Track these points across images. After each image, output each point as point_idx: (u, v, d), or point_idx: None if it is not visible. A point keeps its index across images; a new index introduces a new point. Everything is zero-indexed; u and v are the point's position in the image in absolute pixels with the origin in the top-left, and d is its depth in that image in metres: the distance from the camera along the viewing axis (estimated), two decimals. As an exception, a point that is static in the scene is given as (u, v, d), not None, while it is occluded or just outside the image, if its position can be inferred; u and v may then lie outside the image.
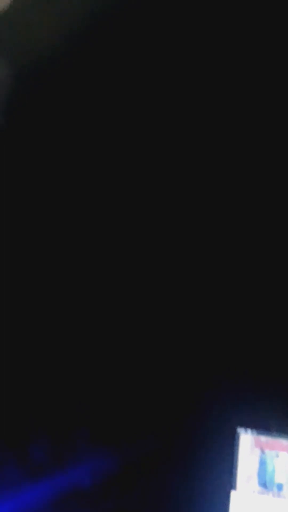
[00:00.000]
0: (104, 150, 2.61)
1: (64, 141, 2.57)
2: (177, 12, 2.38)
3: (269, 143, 2.52)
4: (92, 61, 2.47)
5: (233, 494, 2.80)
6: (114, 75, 2.50)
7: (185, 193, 2.67)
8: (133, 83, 2.50)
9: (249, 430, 2.83)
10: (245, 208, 2.66)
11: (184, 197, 2.67)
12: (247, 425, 2.83)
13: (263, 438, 2.83)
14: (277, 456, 2.83)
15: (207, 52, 2.46)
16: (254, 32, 2.33)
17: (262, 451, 2.84)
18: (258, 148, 2.53)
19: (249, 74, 2.40)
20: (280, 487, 2.81)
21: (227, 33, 2.39)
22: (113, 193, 2.66)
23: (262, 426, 2.83)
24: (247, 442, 2.84)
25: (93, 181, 2.64)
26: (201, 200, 2.67)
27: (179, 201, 2.68)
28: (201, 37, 2.43)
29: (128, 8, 2.31)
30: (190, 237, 2.73)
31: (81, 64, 2.46)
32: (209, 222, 2.70)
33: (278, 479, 2.82)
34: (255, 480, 2.83)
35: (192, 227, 2.71)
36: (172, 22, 2.40)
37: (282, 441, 2.83)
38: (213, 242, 2.73)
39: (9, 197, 2.57)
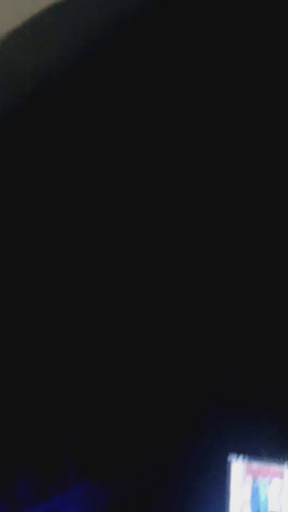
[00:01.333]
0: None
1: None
2: (176, 43, 2.35)
3: (269, 144, 2.50)
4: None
5: (227, 524, 2.74)
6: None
7: (185, 193, 2.62)
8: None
9: (240, 457, 2.78)
10: (245, 207, 2.62)
11: (184, 198, 2.62)
12: (238, 451, 2.77)
13: (255, 465, 2.78)
14: (270, 483, 2.78)
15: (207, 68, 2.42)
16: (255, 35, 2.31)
17: (254, 479, 2.79)
18: (258, 149, 2.50)
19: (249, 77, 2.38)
20: (274, 515, 2.76)
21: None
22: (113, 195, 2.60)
23: (254, 452, 2.78)
24: (239, 469, 2.78)
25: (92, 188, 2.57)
26: (201, 200, 2.62)
27: (179, 201, 2.62)
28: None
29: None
30: (190, 237, 2.68)
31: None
32: (208, 221, 2.65)
33: (271, 506, 2.77)
34: (248, 508, 2.77)
35: (192, 227, 2.66)
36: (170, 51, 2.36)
37: (274, 467, 2.78)
38: (214, 243, 2.68)
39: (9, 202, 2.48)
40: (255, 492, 2.79)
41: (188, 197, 2.60)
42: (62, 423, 2.70)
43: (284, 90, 2.35)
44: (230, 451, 2.78)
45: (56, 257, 2.59)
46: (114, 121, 2.40)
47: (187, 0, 2.23)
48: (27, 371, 2.63)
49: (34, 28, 2.22)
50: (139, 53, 2.32)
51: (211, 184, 2.57)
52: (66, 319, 2.68)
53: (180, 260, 2.68)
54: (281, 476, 2.78)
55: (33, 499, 2.64)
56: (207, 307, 2.74)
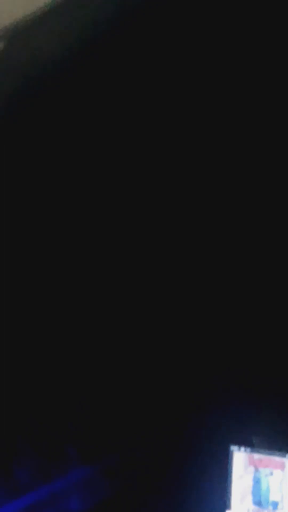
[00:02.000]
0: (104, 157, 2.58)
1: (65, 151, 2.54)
2: (180, 28, 2.37)
3: (269, 144, 2.53)
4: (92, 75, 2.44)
5: (228, 513, 2.76)
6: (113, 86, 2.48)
7: (185, 195, 2.65)
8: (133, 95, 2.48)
9: (242, 448, 2.80)
10: (245, 208, 2.65)
11: (184, 199, 2.66)
12: (240, 442, 2.80)
13: (257, 456, 2.81)
14: (271, 473, 2.80)
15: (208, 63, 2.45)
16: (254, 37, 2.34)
17: (256, 469, 2.81)
18: (258, 150, 2.53)
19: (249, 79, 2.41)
20: (275, 505, 2.78)
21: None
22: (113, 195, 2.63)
23: (256, 443, 2.81)
24: (241, 460, 2.81)
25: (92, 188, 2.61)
26: (201, 201, 2.65)
27: (179, 202, 2.66)
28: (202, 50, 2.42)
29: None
30: (191, 238, 2.71)
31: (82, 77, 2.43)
32: (209, 223, 2.68)
33: (273, 497, 2.79)
34: (249, 498, 2.80)
35: (193, 229, 2.69)
36: (175, 38, 2.39)
37: (275, 459, 2.80)
38: (216, 245, 2.71)
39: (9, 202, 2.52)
40: (256, 482, 2.81)
41: (188, 197, 2.63)
42: (65, 409, 2.74)
43: (284, 90, 2.39)
44: (232, 442, 2.81)
45: (56, 257, 2.62)
46: (114, 118, 2.44)
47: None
48: (30, 357, 2.67)
49: (35, 25, 2.26)
50: (138, 52, 2.36)
51: (211, 184, 2.60)
52: (71, 315, 2.71)
53: (181, 262, 2.72)
54: (282, 467, 2.79)
55: (34, 484, 2.68)
56: (207, 303, 2.77)
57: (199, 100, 2.43)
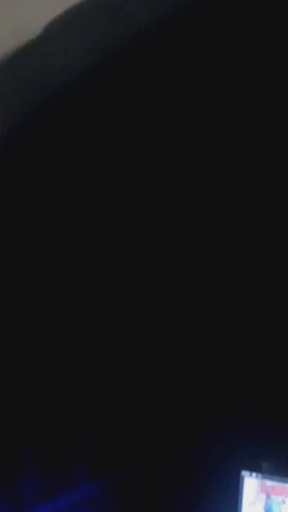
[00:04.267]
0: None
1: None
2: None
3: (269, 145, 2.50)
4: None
5: None
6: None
7: (185, 194, 2.63)
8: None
9: (254, 474, 2.72)
10: (246, 209, 2.61)
11: (184, 199, 2.64)
12: (252, 469, 2.72)
13: (269, 483, 2.72)
14: (284, 502, 2.71)
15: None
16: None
17: (268, 496, 2.72)
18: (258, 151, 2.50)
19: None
20: (286, 534, 2.69)
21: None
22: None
23: (268, 470, 2.72)
24: (252, 486, 2.72)
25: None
26: (201, 202, 2.63)
27: (179, 203, 2.64)
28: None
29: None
30: (192, 244, 2.68)
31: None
32: (214, 231, 2.65)
33: (284, 526, 2.70)
34: (260, 527, 2.71)
35: (195, 235, 2.67)
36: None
37: (288, 486, 2.71)
38: (217, 252, 2.68)
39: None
40: (268, 510, 2.73)
41: (188, 198, 2.61)
42: (71, 424, 2.71)
43: (284, 90, 2.36)
44: (243, 468, 2.73)
45: (56, 258, 2.63)
46: (115, 121, 2.45)
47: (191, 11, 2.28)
48: (36, 371, 2.66)
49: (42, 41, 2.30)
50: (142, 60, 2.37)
51: (211, 184, 2.58)
52: (76, 327, 2.71)
53: (182, 270, 2.69)
54: (295, 495, 2.71)
55: (37, 499, 2.66)
56: (217, 317, 2.73)
57: (200, 101, 2.42)
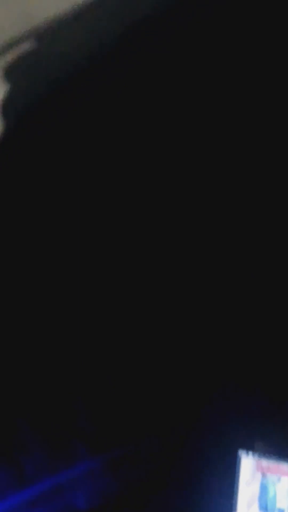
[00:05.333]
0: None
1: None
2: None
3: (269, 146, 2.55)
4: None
5: (233, 519, 2.75)
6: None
7: (185, 194, 2.68)
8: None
9: (250, 453, 2.79)
10: (246, 209, 2.66)
11: (184, 199, 2.68)
12: (249, 448, 2.78)
13: (265, 462, 2.78)
14: (279, 480, 2.77)
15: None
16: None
17: (264, 475, 2.79)
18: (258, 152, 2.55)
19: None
20: (281, 512, 2.76)
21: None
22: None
23: (264, 449, 2.79)
24: (249, 465, 2.79)
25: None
26: (201, 203, 2.67)
27: (179, 203, 2.68)
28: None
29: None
30: (193, 243, 2.73)
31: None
32: (210, 226, 2.70)
33: (279, 504, 2.76)
34: (256, 504, 2.78)
35: (195, 235, 2.71)
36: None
37: (284, 466, 2.78)
38: (217, 252, 2.73)
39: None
40: (263, 489, 2.79)
41: (188, 198, 2.65)
42: (70, 402, 2.77)
43: (284, 90, 2.40)
44: (240, 447, 2.79)
45: (56, 256, 2.67)
46: (115, 120, 2.49)
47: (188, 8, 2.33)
48: (34, 349, 2.71)
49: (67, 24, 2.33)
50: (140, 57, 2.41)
51: (211, 185, 2.62)
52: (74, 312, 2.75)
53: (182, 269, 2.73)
54: (291, 475, 2.77)
55: (39, 475, 2.72)
56: (214, 305, 2.78)
57: (200, 101, 2.46)
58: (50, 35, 2.30)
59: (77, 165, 2.63)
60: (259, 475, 2.79)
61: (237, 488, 2.78)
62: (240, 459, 2.79)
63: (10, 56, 2.26)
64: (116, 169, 2.60)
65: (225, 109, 2.48)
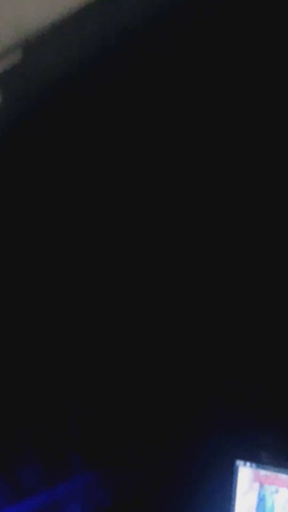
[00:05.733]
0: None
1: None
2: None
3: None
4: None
5: (231, 529, 2.71)
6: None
7: (185, 194, 2.68)
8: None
9: (248, 464, 2.76)
10: (246, 209, 2.66)
11: (184, 199, 2.68)
12: (246, 458, 2.76)
13: (263, 472, 2.76)
14: (277, 491, 2.75)
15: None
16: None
17: (261, 486, 2.76)
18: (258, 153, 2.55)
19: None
20: (279, 523, 2.72)
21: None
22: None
23: (262, 459, 2.76)
24: (246, 475, 2.76)
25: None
26: (201, 202, 2.67)
27: (179, 203, 2.69)
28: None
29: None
30: (194, 243, 2.73)
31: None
32: (214, 230, 2.70)
33: (277, 515, 2.73)
34: (253, 516, 2.75)
35: (196, 235, 2.71)
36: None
37: (282, 476, 2.75)
38: (218, 251, 2.73)
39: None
40: (261, 500, 2.76)
41: (188, 198, 2.65)
42: (68, 416, 2.77)
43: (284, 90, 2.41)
44: (237, 457, 2.77)
45: (57, 256, 2.67)
46: (114, 120, 2.50)
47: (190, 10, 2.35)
48: (34, 363, 2.71)
49: (52, 35, 2.36)
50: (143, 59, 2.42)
51: (211, 184, 2.62)
52: (74, 319, 2.75)
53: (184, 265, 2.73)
54: (288, 485, 2.74)
55: (36, 489, 2.71)
56: (216, 314, 2.77)
57: (200, 102, 2.47)
58: (42, 42, 2.32)
59: (76, 168, 2.64)
60: (256, 486, 2.76)
61: (234, 498, 2.75)
62: (237, 469, 2.77)
63: (3, 64, 2.28)
64: (116, 170, 2.62)
65: (225, 109, 2.49)
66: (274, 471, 2.75)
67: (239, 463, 2.77)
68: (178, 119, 2.55)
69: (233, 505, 2.75)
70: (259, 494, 2.76)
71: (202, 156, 2.60)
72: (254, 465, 2.76)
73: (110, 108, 2.49)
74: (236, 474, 2.76)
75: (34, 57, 2.33)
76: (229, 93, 2.47)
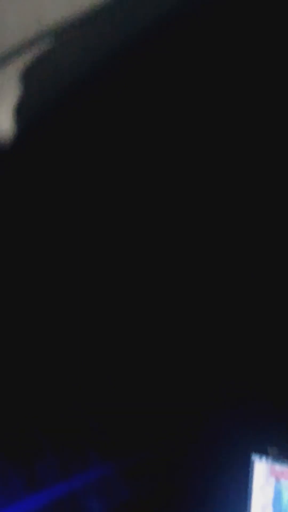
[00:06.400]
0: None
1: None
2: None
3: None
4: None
5: (247, 524, 2.73)
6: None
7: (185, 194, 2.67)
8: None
9: (264, 458, 2.77)
10: (246, 211, 2.65)
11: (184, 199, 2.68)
12: (262, 452, 2.76)
13: (279, 467, 2.76)
14: (293, 486, 2.75)
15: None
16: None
17: (277, 480, 2.77)
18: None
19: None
20: (296, 518, 2.73)
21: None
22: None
23: (278, 454, 2.77)
24: (262, 470, 2.77)
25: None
26: (201, 202, 2.67)
27: (179, 203, 2.68)
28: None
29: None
30: (195, 251, 2.73)
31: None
32: (214, 230, 2.69)
33: (293, 509, 2.74)
34: (270, 509, 2.75)
35: (195, 234, 2.71)
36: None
37: (298, 471, 2.76)
38: (218, 251, 2.72)
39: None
40: (277, 494, 2.77)
41: (188, 198, 2.65)
42: (83, 408, 2.77)
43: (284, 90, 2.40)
44: (253, 452, 2.78)
45: (56, 258, 2.66)
46: (114, 121, 2.48)
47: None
48: (45, 354, 2.71)
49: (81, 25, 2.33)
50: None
51: (211, 185, 2.61)
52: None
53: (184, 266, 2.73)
54: (305, 480, 2.75)
55: (52, 481, 2.71)
56: (223, 305, 2.77)
57: (204, 100, 2.46)
58: (60, 39, 2.30)
59: (88, 166, 2.63)
60: (272, 480, 2.77)
61: (250, 492, 2.76)
62: (253, 463, 2.77)
63: (22, 60, 2.26)
64: (117, 170, 2.61)
65: (225, 110, 2.48)
66: (290, 465, 2.76)
67: (255, 457, 2.77)
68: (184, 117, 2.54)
69: (250, 500, 2.76)
70: (275, 488, 2.76)
71: (202, 156, 2.59)
72: (270, 459, 2.76)
73: (114, 108, 2.47)
74: (252, 469, 2.77)
75: (53, 52, 2.31)
76: (229, 93, 2.45)
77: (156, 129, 2.57)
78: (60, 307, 2.75)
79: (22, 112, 2.33)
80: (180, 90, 2.50)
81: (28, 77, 2.27)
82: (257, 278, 2.76)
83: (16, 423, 2.69)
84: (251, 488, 2.76)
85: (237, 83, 2.44)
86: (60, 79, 2.43)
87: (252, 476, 2.77)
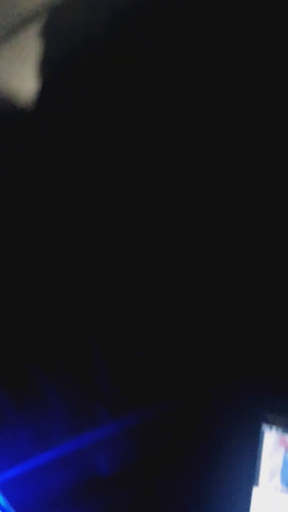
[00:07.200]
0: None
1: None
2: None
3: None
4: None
5: (255, 490, 2.74)
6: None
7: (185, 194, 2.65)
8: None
9: (274, 428, 2.77)
10: (246, 211, 2.63)
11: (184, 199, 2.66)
12: (272, 422, 2.77)
13: (288, 438, 2.77)
14: (302, 457, 2.77)
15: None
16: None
17: (287, 450, 2.78)
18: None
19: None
20: (303, 488, 2.75)
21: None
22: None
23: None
24: (272, 440, 2.78)
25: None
26: (201, 202, 2.65)
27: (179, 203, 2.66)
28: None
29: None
30: (195, 250, 2.72)
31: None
32: (214, 229, 2.68)
33: (301, 479, 2.76)
34: (278, 478, 2.77)
35: (195, 233, 2.70)
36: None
37: (307, 442, 2.77)
38: (217, 249, 2.71)
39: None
40: (286, 463, 2.79)
41: (188, 198, 2.62)
42: (92, 365, 2.78)
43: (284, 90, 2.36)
44: (263, 421, 2.78)
45: (56, 258, 2.65)
46: (114, 120, 2.45)
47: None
48: (54, 307, 2.71)
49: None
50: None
51: (211, 184, 2.58)
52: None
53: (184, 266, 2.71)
54: (313, 451, 2.76)
55: (61, 439, 2.74)
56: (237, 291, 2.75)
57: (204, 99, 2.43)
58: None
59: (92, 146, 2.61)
60: (282, 450, 2.78)
61: (259, 461, 2.78)
62: (263, 433, 2.78)
63: (41, 20, 2.22)
64: (117, 168, 2.59)
65: (225, 110, 2.44)
66: (300, 436, 2.77)
67: (265, 427, 2.78)
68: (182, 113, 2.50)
69: (259, 468, 2.77)
70: (284, 458, 2.78)
71: (202, 156, 2.56)
72: (280, 429, 2.77)
73: (114, 108, 2.44)
74: (262, 438, 2.78)
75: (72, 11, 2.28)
76: (229, 94, 2.41)
77: (151, 130, 2.54)
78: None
79: (45, 70, 2.31)
80: (168, 90, 2.46)
81: (48, 37, 2.24)
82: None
83: (25, 379, 2.72)
84: (260, 456, 2.78)
85: (235, 80, 2.40)
86: (76, 38, 2.40)
87: (261, 445, 2.78)
